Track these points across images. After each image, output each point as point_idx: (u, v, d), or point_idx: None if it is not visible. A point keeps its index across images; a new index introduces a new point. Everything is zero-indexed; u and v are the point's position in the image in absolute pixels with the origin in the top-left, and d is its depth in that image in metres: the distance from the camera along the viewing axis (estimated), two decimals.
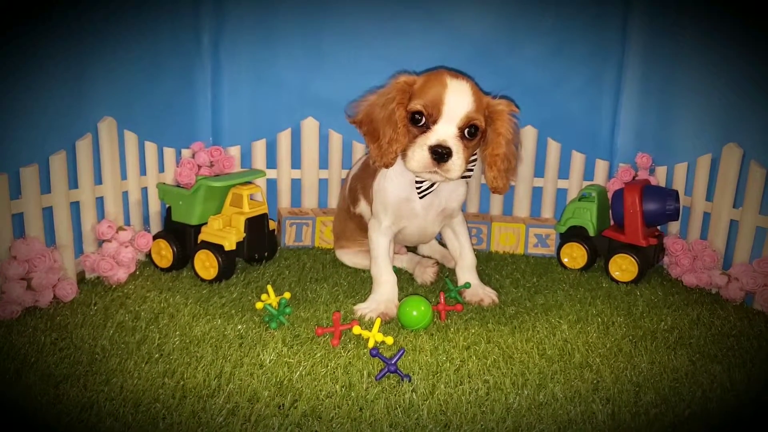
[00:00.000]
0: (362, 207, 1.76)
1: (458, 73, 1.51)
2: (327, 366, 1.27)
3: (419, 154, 1.44)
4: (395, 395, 1.17)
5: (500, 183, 1.55)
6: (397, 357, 1.24)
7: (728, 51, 1.77)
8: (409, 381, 1.22)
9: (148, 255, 1.82)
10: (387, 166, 1.51)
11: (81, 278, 1.68)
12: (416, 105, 1.46)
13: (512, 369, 1.28)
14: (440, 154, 1.42)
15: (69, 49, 1.60)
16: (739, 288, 1.68)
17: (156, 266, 1.80)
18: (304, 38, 2.05)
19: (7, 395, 1.15)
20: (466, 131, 1.46)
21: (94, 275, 1.69)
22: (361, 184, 1.75)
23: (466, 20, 2.07)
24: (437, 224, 1.68)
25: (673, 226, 1.95)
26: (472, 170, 1.57)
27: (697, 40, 1.86)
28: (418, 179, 1.54)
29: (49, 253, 1.52)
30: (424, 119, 1.46)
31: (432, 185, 1.55)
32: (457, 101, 1.44)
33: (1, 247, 1.47)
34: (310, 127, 2.09)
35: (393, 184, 1.59)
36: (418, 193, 1.57)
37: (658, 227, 1.93)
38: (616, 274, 1.83)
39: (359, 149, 2.10)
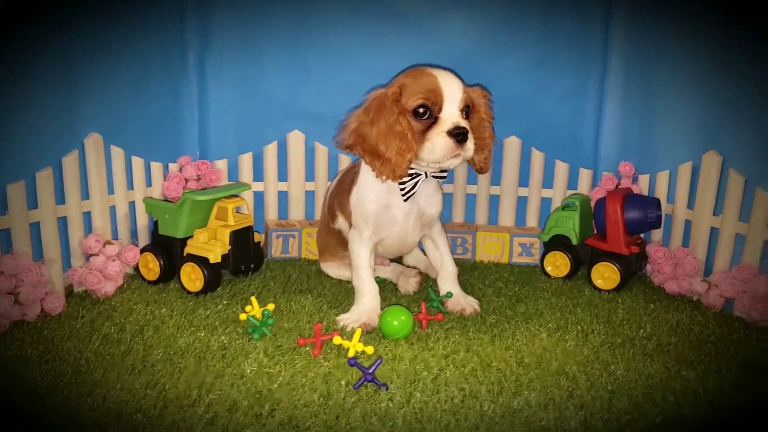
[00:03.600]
0: (340, 222, 1.78)
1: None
2: (306, 376, 1.29)
3: (441, 142, 1.47)
4: (372, 404, 1.19)
5: (488, 164, 1.66)
6: (375, 366, 1.26)
7: (708, 60, 1.80)
8: (387, 390, 1.24)
9: (136, 268, 1.84)
10: (400, 178, 1.52)
11: (69, 292, 1.70)
12: (417, 100, 1.48)
13: (489, 377, 1.30)
14: (462, 135, 1.47)
15: (56, 66, 1.63)
16: (718, 295, 1.69)
17: (143, 279, 1.82)
18: (289, 53, 2.08)
19: None
20: (463, 112, 1.51)
21: (81, 289, 1.71)
22: (337, 200, 1.78)
23: (449, 32, 2.10)
24: (417, 233, 1.70)
25: (656, 234, 1.97)
26: (446, 172, 1.60)
27: (678, 49, 1.89)
28: (403, 180, 1.56)
29: (36, 268, 1.54)
30: (428, 111, 1.49)
31: (414, 186, 1.58)
32: (452, 85, 1.50)
33: None
34: (296, 139, 2.12)
35: (371, 193, 1.62)
36: (402, 195, 1.59)
37: (641, 235, 1.95)
38: (598, 282, 1.85)
39: (345, 161, 2.13)
